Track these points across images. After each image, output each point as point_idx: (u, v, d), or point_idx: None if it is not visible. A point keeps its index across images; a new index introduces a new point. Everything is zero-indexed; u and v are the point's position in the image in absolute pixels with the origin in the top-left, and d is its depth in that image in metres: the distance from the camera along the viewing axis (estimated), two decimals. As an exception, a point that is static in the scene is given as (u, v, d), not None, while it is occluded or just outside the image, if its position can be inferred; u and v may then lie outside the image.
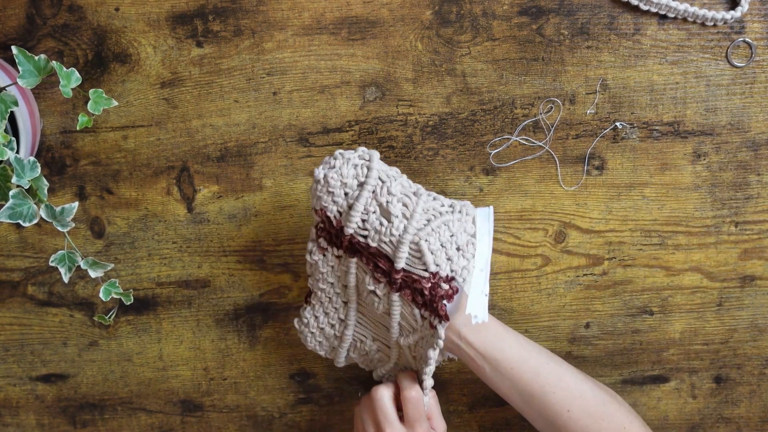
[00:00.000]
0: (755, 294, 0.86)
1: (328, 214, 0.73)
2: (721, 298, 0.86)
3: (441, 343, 0.73)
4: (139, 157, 0.83)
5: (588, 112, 0.82)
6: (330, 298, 0.78)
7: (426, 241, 0.71)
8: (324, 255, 0.76)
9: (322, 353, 0.83)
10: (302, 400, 0.90)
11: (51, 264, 0.78)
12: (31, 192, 0.72)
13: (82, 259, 0.79)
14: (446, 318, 0.72)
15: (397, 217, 0.71)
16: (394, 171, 0.74)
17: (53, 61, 0.69)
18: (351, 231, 0.72)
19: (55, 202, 0.84)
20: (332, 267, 0.76)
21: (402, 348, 0.78)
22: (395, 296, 0.74)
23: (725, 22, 0.80)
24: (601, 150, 0.83)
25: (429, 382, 0.76)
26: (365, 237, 0.72)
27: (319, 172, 0.73)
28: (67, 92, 0.70)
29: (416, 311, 0.74)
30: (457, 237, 0.73)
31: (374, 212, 0.72)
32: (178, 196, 0.84)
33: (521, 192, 0.84)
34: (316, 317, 0.80)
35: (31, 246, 0.86)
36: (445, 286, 0.72)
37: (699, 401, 0.89)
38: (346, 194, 0.72)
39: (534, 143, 0.83)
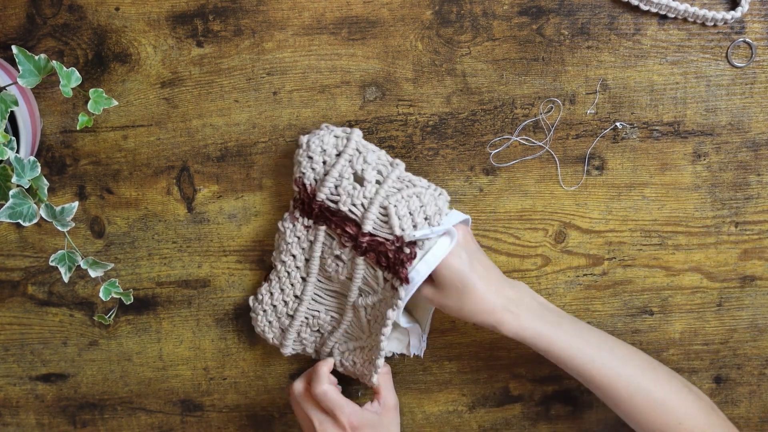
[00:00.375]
0: (755, 294, 0.86)
1: (305, 181, 0.78)
2: (721, 299, 0.86)
3: (401, 303, 0.75)
4: (139, 156, 0.83)
5: (588, 112, 0.82)
6: (289, 272, 0.81)
7: (394, 206, 0.75)
8: (294, 224, 0.80)
9: (269, 336, 0.84)
10: (302, 400, 0.90)
11: (51, 263, 0.78)
12: (31, 191, 0.72)
13: (82, 258, 0.79)
14: (406, 281, 0.74)
15: (370, 182, 0.76)
16: (375, 147, 0.78)
17: (53, 61, 0.69)
18: (323, 197, 0.77)
19: (55, 201, 0.84)
20: (299, 238, 0.80)
21: (358, 310, 0.80)
22: (359, 259, 0.77)
23: (725, 23, 0.80)
24: (601, 150, 0.83)
25: (384, 343, 0.77)
26: (336, 202, 0.76)
27: (303, 138, 0.79)
28: (68, 92, 0.70)
29: (379, 273, 0.76)
30: (426, 207, 0.76)
31: (348, 179, 0.76)
32: (178, 196, 0.84)
33: (521, 192, 0.84)
34: (272, 294, 0.82)
35: (31, 245, 0.86)
36: (407, 250, 0.74)
37: (699, 401, 0.89)
38: (324, 162, 0.77)
39: (534, 143, 0.83)
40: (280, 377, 0.89)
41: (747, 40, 0.80)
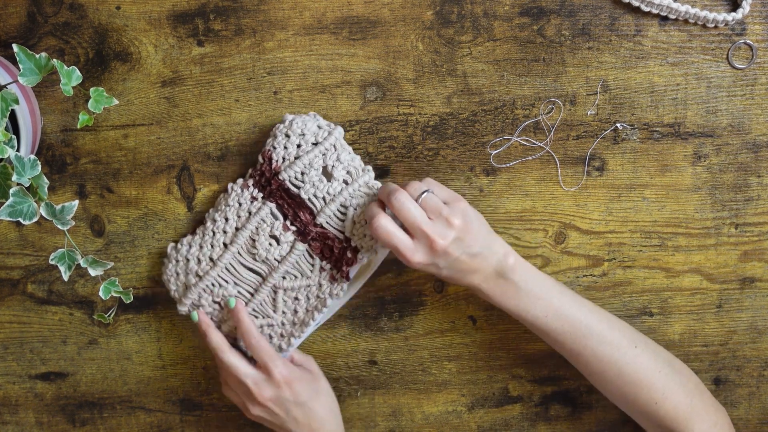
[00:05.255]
0: (755, 296, 0.86)
1: (273, 156, 0.79)
2: (720, 300, 0.86)
3: (342, 294, 0.81)
4: (140, 155, 0.83)
5: (588, 113, 0.82)
6: (214, 233, 0.82)
7: (354, 209, 0.79)
8: (242, 190, 0.81)
9: (171, 288, 0.84)
10: (301, 400, 0.90)
11: (51, 262, 0.78)
12: (32, 190, 0.72)
13: (82, 257, 0.79)
14: (347, 277, 0.81)
15: (337, 180, 0.79)
16: (351, 150, 0.81)
17: (54, 60, 0.69)
18: (286, 177, 0.79)
19: (56, 200, 0.84)
20: (240, 204, 0.81)
21: (276, 291, 0.82)
22: (300, 245, 0.80)
23: (726, 24, 0.80)
24: (601, 151, 0.83)
25: (312, 328, 0.83)
26: (298, 188, 0.79)
27: (289, 116, 0.80)
28: (68, 90, 0.70)
29: (317, 261, 0.81)
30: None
31: (317, 170, 0.78)
32: (178, 195, 0.84)
33: (521, 193, 0.84)
34: (191, 246, 0.82)
35: (31, 244, 0.86)
36: (349, 255, 0.80)
37: (698, 403, 0.89)
38: (298, 146, 0.79)
39: (534, 144, 0.83)
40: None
41: (748, 41, 0.80)
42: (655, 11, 0.80)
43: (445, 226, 0.73)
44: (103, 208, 0.85)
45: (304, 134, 0.79)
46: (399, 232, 0.74)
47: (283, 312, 0.82)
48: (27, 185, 0.71)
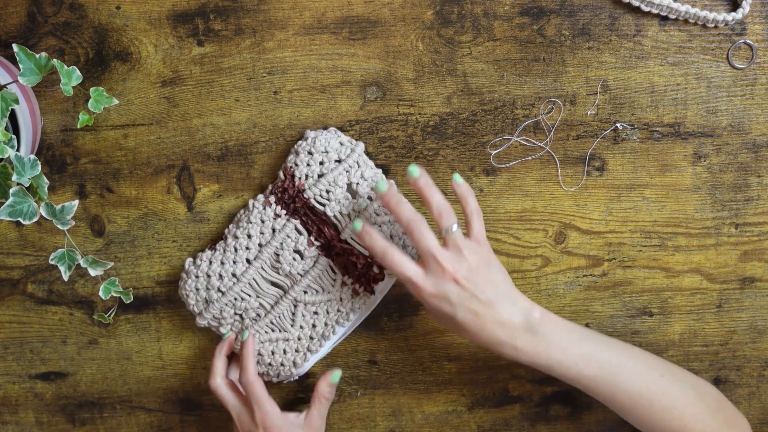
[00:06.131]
0: (755, 296, 0.86)
1: (296, 173, 0.79)
2: (720, 300, 0.86)
3: (364, 309, 0.83)
4: (140, 155, 0.84)
5: (588, 112, 0.82)
6: (236, 249, 0.81)
7: (380, 227, 0.79)
8: (265, 208, 0.81)
9: (191, 302, 0.83)
10: (301, 400, 0.90)
11: (51, 262, 0.78)
12: (32, 190, 0.72)
13: (82, 257, 0.79)
14: (372, 292, 0.82)
15: (362, 197, 0.79)
16: (373, 164, 0.81)
17: (54, 59, 0.69)
18: (311, 195, 0.79)
19: (56, 200, 0.84)
20: (263, 222, 0.81)
21: (296, 305, 0.82)
22: (323, 259, 0.81)
23: (726, 24, 0.80)
24: (601, 151, 0.83)
25: (332, 341, 0.84)
26: (323, 205, 0.79)
27: (312, 133, 0.80)
28: (68, 90, 0.70)
29: (339, 276, 0.81)
30: (403, 239, 0.80)
31: (342, 187, 0.79)
32: (178, 195, 0.84)
33: (521, 192, 0.84)
34: (211, 262, 0.82)
35: (31, 244, 0.86)
36: (376, 270, 0.81)
37: (698, 403, 0.89)
38: (321, 163, 0.79)
39: (534, 144, 0.83)
40: (279, 377, 0.89)
41: (748, 41, 0.81)
42: (655, 11, 0.80)
43: (457, 256, 0.73)
44: (103, 208, 0.85)
45: (327, 151, 0.79)
46: (409, 262, 0.74)
47: (301, 326, 0.83)
48: (27, 185, 0.71)
